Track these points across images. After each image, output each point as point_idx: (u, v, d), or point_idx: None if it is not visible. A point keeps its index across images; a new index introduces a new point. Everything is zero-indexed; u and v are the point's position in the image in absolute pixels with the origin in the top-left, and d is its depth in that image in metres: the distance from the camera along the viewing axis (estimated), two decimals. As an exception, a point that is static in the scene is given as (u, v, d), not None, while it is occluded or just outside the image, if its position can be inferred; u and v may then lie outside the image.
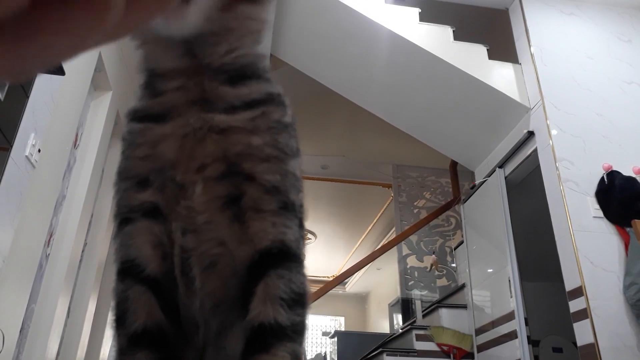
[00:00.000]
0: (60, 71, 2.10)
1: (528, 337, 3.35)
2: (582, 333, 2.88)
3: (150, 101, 0.69)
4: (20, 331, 2.28)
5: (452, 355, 3.98)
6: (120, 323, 0.67)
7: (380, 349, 4.24)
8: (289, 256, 0.66)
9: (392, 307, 6.85)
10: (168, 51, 0.67)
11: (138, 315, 0.66)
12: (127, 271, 0.68)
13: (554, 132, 3.37)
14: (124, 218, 0.69)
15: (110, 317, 0.70)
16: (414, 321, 4.76)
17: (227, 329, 0.69)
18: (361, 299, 10.61)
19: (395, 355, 4.11)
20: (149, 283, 0.67)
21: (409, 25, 3.63)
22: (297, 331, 0.64)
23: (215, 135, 0.66)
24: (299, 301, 0.65)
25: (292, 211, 0.68)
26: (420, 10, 3.71)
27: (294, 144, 0.71)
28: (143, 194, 0.68)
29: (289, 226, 0.67)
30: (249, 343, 0.63)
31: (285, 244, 0.66)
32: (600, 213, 3.12)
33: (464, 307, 4.22)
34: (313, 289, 4.92)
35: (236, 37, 0.67)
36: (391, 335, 5.10)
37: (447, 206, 5.28)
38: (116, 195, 0.71)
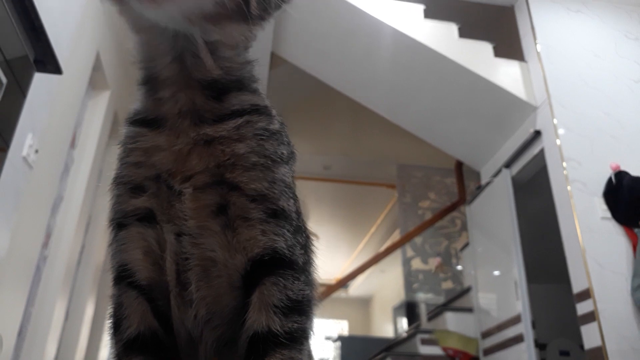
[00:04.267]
0: (57, 70, 2.06)
1: (535, 341, 3.31)
2: (589, 336, 2.85)
3: (148, 103, 0.72)
4: (19, 334, 2.26)
5: (457, 360, 3.93)
6: (115, 329, 0.69)
7: (384, 354, 4.20)
8: (283, 263, 0.67)
9: (396, 311, 6.78)
10: (160, 49, 0.70)
11: (131, 321, 0.68)
12: (121, 277, 0.70)
13: (561, 131, 3.32)
14: (118, 223, 0.71)
15: (108, 324, 0.71)
16: (419, 325, 4.72)
17: (229, 345, 0.69)
18: (364, 302, 10.54)
19: (400, 360, 4.06)
20: (140, 289, 0.69)
21: (413, 22, 3.59)
22: (294, 338, 0.64)
23: (201, 147, 0.69)
24: (295, 308, 0.65)
25: (284, 218, 0.69)
26: (424, 7, 3.67)
27: (284, 150, 0.72)
28: (138, 199, 0.70)
29: (280, 233, 0.68)
30: (246, 353, 0.64)
31: (278, 251, 0.67)
32: (608, 214, 3.08)
33: (470, 310, 4.16)
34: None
35: (224, 51, 0.70)
36: (395, 340, 5.04)
37: (453, 207, 5.24)
38: (111, 200, 0.73)
